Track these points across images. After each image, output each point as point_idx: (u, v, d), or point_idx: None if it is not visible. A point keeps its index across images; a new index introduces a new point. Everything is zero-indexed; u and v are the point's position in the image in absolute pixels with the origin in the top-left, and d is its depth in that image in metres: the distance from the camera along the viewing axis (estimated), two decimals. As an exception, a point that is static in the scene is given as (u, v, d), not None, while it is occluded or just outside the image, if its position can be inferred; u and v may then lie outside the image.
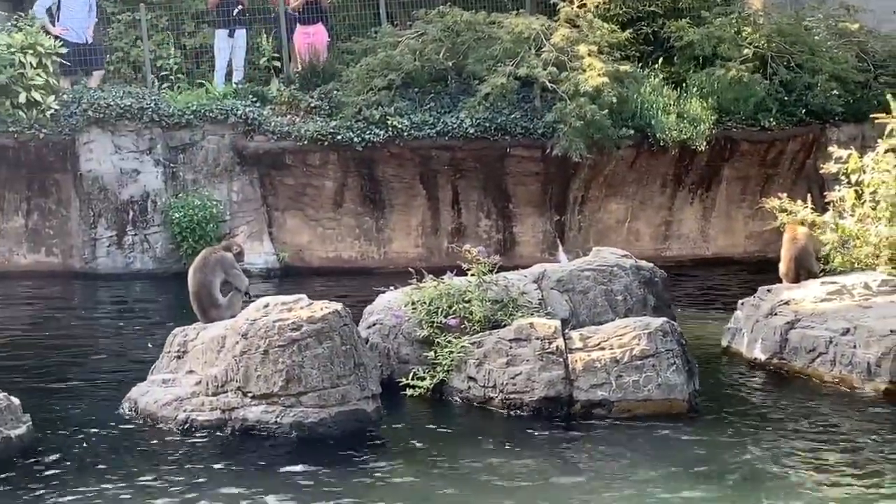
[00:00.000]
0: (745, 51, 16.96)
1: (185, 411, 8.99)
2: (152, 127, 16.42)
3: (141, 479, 8.00)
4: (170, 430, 8.94)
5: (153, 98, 16.58)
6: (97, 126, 16.34)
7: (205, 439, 8.77)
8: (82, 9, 17.30)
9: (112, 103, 16.32)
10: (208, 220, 16.02)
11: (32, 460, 8.36)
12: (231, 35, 17.54)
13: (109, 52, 17.89)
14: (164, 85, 17.32)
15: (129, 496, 7.69)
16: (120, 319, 14.07)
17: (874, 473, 7.90)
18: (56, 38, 16.62)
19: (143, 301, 15.29)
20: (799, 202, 12.31)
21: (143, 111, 16.36)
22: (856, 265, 11.59)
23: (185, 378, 9.33)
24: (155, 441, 8.81)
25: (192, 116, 16.44)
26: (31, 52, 16.04)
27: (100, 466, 8.26)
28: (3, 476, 8.00)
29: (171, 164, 16.51)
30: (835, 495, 7.51)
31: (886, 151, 11.89)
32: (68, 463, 8.34)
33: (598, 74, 15.72)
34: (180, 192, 16.38)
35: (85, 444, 8.76)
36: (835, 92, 16.97)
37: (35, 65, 16.05)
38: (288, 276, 16.12)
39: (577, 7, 16.92)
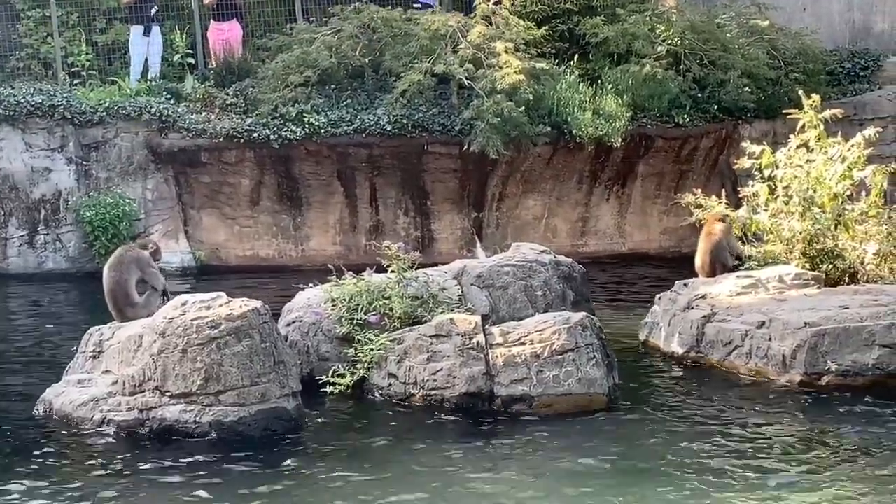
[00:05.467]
0: (659, 48, 17.13)
1: (101, 411, 8.85)
2: (64, 124, 16.18)
3: (56, 480, 7.88)
4: (86, 431, 8.80)
5: (65, 95, 16.34)
6: (7, 124, 16.07)
7: (122, 440, 8.65)
8: None
9: (22, 101, 16.06)
10: (121, 219, 15.83)
11: (-56, 464, 8.19)
12: (146, 33, 17.31)
13: (19, 48, 17.59)
14: (76, 82, 17.05)
15: (43, 499, 7.56)
16: (33, 320, 13.83)
17: (789, 463, 8.03)
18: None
19: (56, 301, 15.04)
20: (713, 198, 12.44)
21: (55, 109, 16.11)
22: (769, 259, 11.75)
23: (101, 378, 9.19)
24: (71, 442, 8.68)
25: (104, 114, 16.21)
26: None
27: (13, 469, 8.11)
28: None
29: (84, 162, 16.27)
30: (754, 486, 7.61)
31: (798, 147, 12.06)
32: (-19, 466, 8.19)
33: (515, 72, 15.79)
34: (93, 190, 16.17)
35: (-2, 447, 8.61)
36: (747, 88, 17.18)
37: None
38: (205, 275, 15.95)
39: (493, 4, 16.96)
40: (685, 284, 11.59)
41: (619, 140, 16.51)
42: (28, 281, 15.79)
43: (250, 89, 16.59)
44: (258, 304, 8.89)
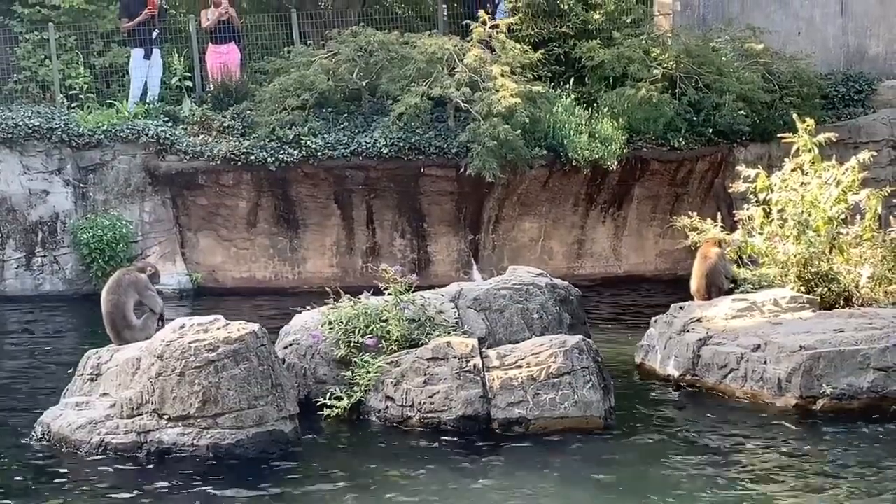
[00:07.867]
0: (655, 71, 17.22)
1: (99, 434, 8.86)
2: (62, 147, 16.22)
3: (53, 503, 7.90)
4: (84, 454, 8.81)
5: (62, 118, 16.38)
6: (5, 146, 16.10)
7: (120, 462, 8.65)
8: None
9: (20, 123, 16.10)
10: (118, 241, 15.85)
11: (-58, 487, 8.20)
12: (147, 56, 17.36)
13: (17, 71, 17.63)
14: (74, 105, 17.09)
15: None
16: (30, 342, 13.83)
17: (783, 487, 8.05)
18: None
19: (53, 323, 15.05)
20: (709, 221, 12.50)
21: (53, 131, 16.15)
22: (764, 283, 11.79)
23: (98, 401, 9.20)
24: (68, 465, 8.68)
25: (102, 136, 16.25)
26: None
27: (10, 492, 8.12)
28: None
29: (82, 185, 16.31)
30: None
31: (793, 170, 12.12)
32: (-21, 489, 8.19)
33: (511, 95, 15.85)
34: (91, 212, 16.20)
35: (-4, 470, 8.62)
36: (742, 112, 17.27)
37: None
38: (201, 297, 15.98)
39: (490, 28, 17.04)
40: (681, 307, 11.62)
41: (615, 163, 16.58)
42: (25, 303, 15.79)
43: (248, 112, 16.64)
44: (256, 327, 8.93)
